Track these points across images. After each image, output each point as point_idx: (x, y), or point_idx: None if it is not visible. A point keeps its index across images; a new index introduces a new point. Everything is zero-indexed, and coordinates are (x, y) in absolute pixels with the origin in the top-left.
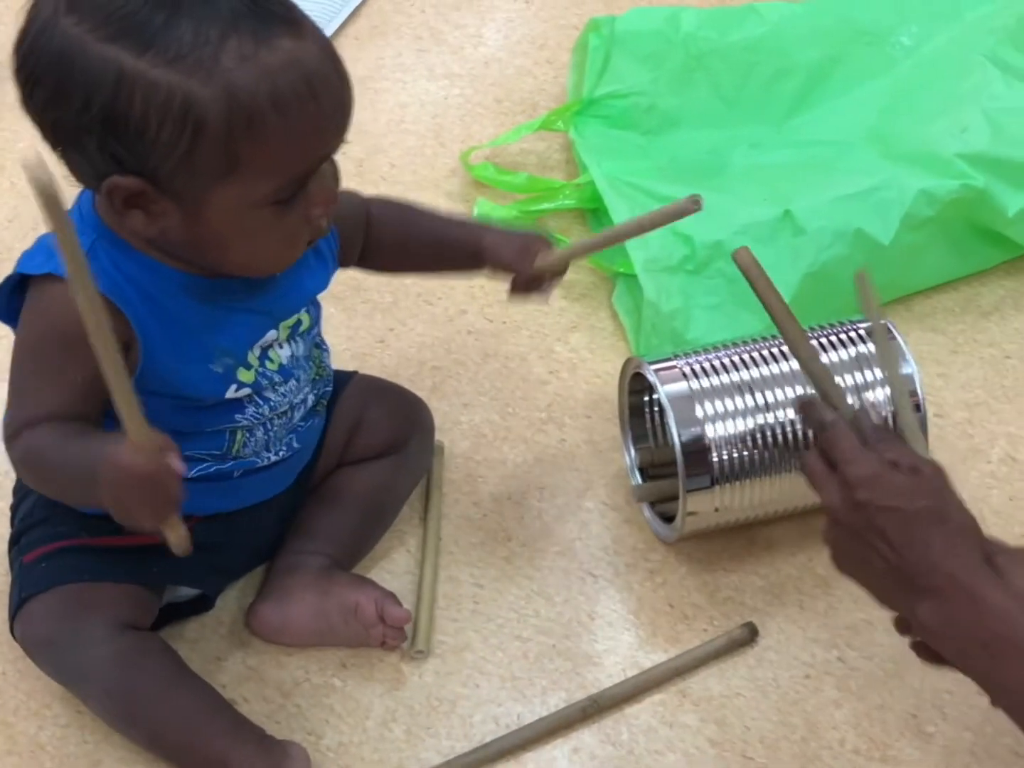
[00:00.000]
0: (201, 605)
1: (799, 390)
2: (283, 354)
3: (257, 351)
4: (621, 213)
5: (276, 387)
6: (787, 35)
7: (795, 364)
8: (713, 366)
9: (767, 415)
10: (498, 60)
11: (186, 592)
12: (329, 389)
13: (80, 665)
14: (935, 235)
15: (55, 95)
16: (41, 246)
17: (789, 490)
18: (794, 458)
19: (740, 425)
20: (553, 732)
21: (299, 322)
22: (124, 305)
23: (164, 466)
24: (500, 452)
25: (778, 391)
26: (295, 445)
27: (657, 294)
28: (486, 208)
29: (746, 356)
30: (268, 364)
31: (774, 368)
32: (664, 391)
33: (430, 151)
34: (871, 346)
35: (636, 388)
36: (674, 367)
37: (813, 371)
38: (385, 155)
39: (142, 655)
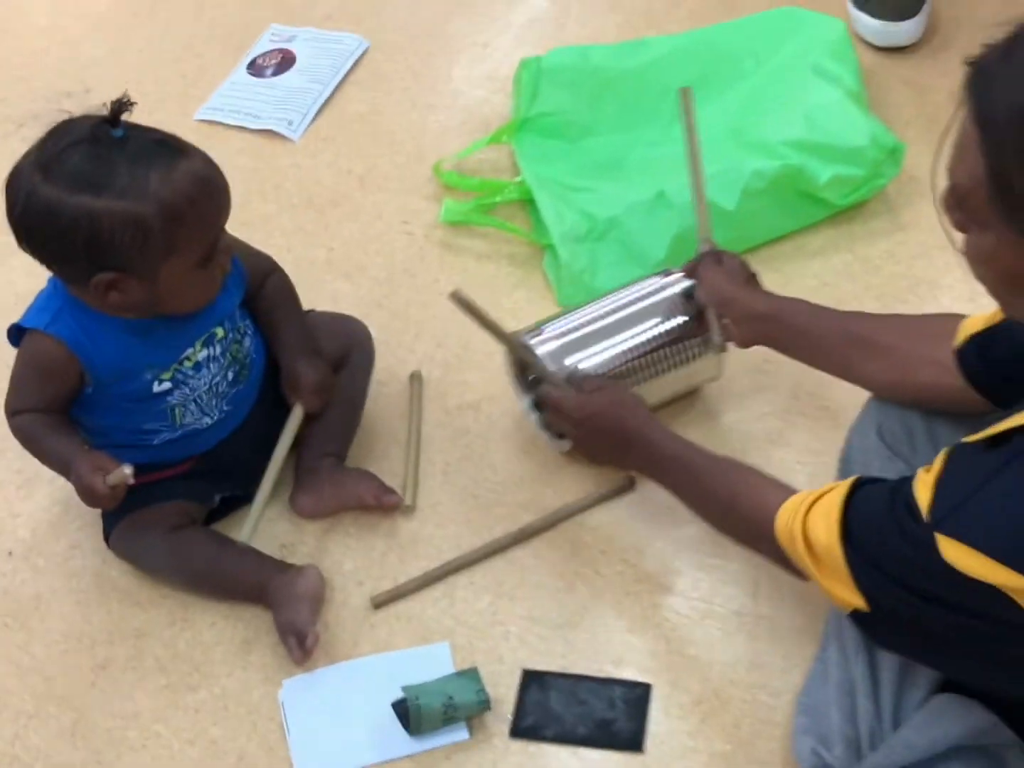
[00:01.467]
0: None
1: (639, 330)
2: (200, 356)
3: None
4: (546, 202)
5: (190, 380)
6: (670, 61)
7: (627, 311)
8: (569, 328)
9: (614, 350)
10: (463, 92)
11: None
12: (251, 361)
13: (150, 561)
14: (768, 201)
15: (48, 237)
16: (34, 307)
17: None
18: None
19: (598, 360)
20: (496, 551)
21: (213, 335)
22: (77, 351)
23: (105, 490)
24: (462, 376)
25: (624, 333)
26: (225, 408)
27: (571, 258)
28: (452, 205)
29: (591, 316)
30: (186, 364)
31: (612, 318)
32: (543, 352)
33: (414, 165)
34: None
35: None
36: (542, 335)
37: (527, 360)
38: (380, 170)
39: (188, 546)
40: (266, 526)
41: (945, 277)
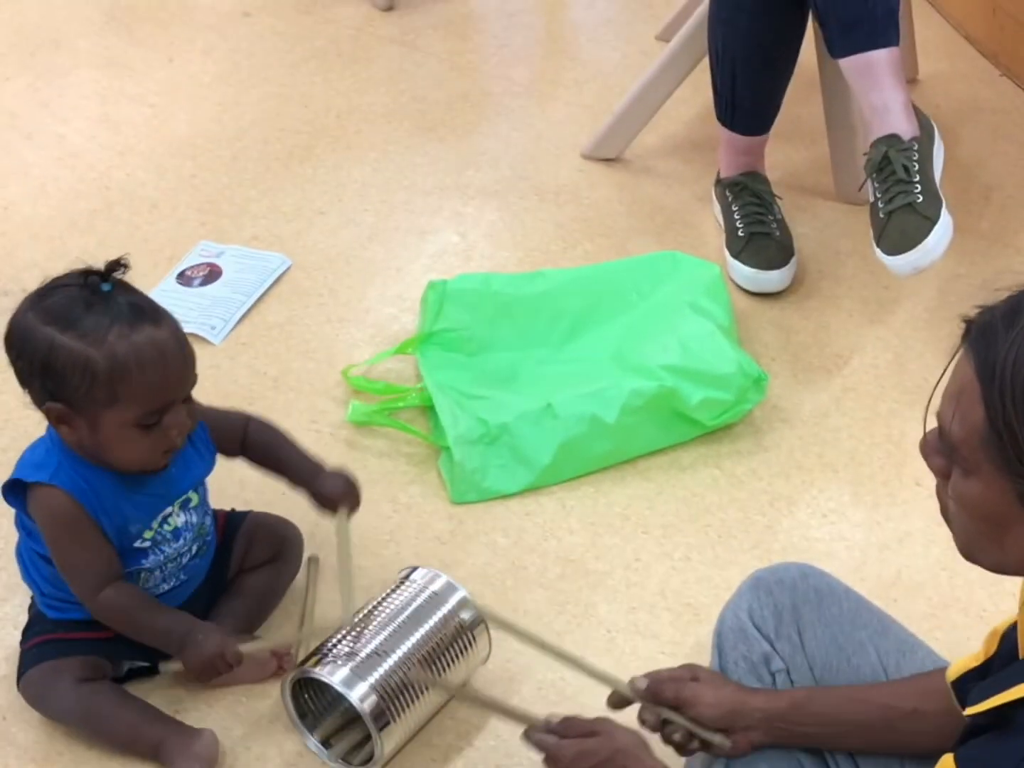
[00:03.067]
0: (151, 670)
1: (416, 637)
2: (179, 521)
3: (159, 519)
4: (443, 406)
5: (168, 543)
6: (562, 291)
7: (398, 621)
8: (351, 649)
9: (403, 659)
10: (375, 309)
11: (137, 663)
12: (210, 539)
13: (57, 710)
14: (645, 418)
15: (18, 356)
16: (30, 461)
17: (439, 693)
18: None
19: (391, 672)
20: None
21: (189, 499)
22: (81, 498)
23: (227, 666)
24: (357, 562)
25: (405, 643)
26: (182, 577)
27: (463, 458)
28: (358, 407)
29: (370, 631)
30: (166, 527)
31: (389, 629)
32: (334, 679)
33: (325, 370)
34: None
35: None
36: (327, 664)
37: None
38: (293, 374)
39: (93, 695)
40: (161, 691)
41: (802, 495)
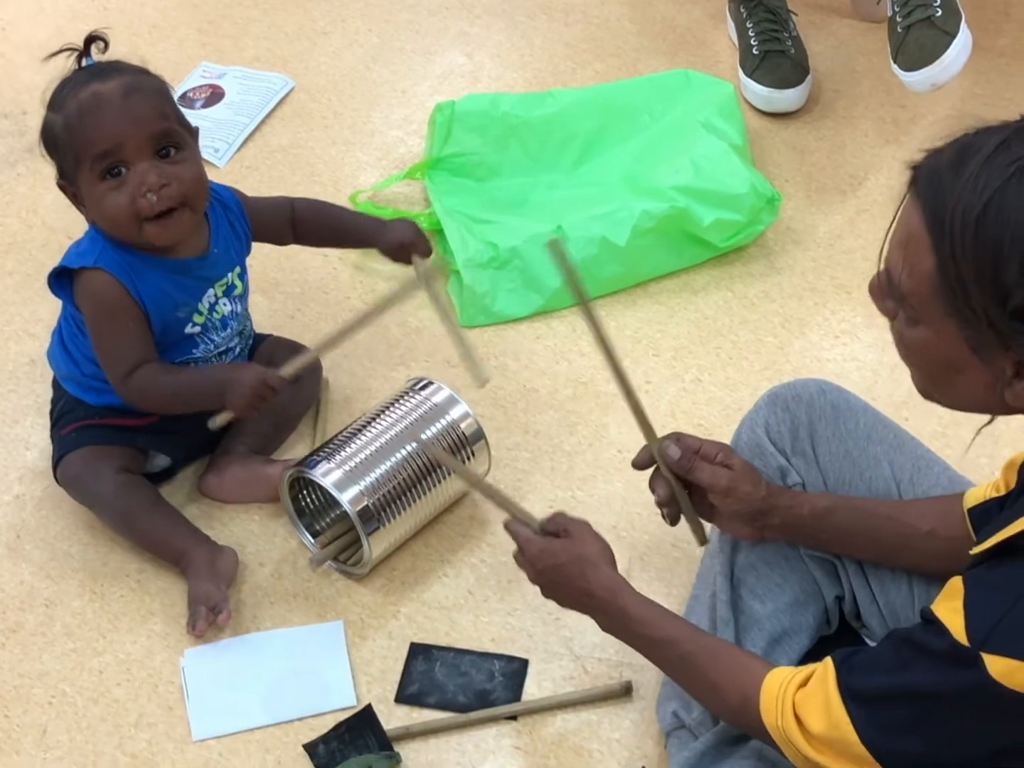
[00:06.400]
0: (168, 474)
1: (408, 447)
2: (225, 309)
3: (206, 304)
4: (452, 230)
5: (217, 331)
6: (572, 112)
7: (397, 429)
8: (349, 453)
9: (397, 465)
10: (381, 132)
11: (159, 464)
12: (251, 342)
13: (95, 493)
14: (656, 240)
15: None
16: (77, 249)
17: (432, 501)
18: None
19: (385, 479)
20: None
21: (233, 285)
22: (127, 283)
23: (272, 391)
24: (366, 383)
25: (398, 452)
26: None
27: (473, 281)
28: None
29: (369, 436)
30: (215, 314)
31: (388, 436)
32: (327, 481)
33: (331, 194)
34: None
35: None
36: (323, 464)
37: (500, 503)
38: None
39: (133, 487)
40: (177, 507)
41: (814, 316)
